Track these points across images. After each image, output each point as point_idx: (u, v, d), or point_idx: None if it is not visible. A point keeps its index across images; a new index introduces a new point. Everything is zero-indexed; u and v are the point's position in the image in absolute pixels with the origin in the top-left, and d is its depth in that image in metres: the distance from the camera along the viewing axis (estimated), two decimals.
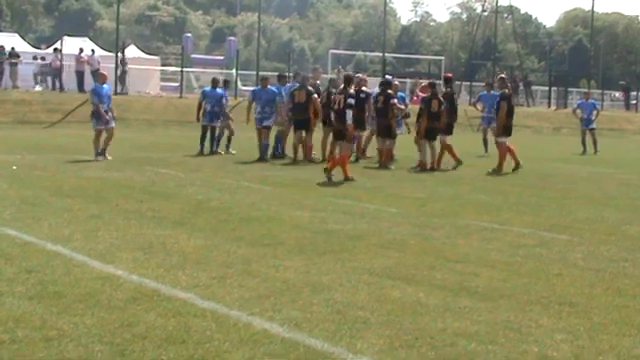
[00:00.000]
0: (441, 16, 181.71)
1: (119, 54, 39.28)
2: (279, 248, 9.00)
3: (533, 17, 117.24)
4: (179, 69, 42.42)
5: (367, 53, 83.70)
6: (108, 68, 37.80)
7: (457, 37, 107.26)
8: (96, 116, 18.79)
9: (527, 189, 15.77)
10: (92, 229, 9.80)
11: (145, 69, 43.50)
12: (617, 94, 58.15)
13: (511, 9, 75.38)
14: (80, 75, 37.65)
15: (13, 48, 38.05)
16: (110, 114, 18.95)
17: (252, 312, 6.44)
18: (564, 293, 7.40)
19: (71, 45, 40.72)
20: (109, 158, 18.40)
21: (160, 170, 16.76)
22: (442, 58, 66.17)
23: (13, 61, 37.10)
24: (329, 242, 9.46)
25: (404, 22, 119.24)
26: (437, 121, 18.69)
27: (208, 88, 21.84)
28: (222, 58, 54.22)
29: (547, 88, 52.26)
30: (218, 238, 9.54)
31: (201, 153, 20.54)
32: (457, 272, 8.08)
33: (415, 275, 7.90)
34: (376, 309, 6.63)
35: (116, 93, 35.83)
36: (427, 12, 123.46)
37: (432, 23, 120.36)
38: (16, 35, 49.24)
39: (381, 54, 51.41)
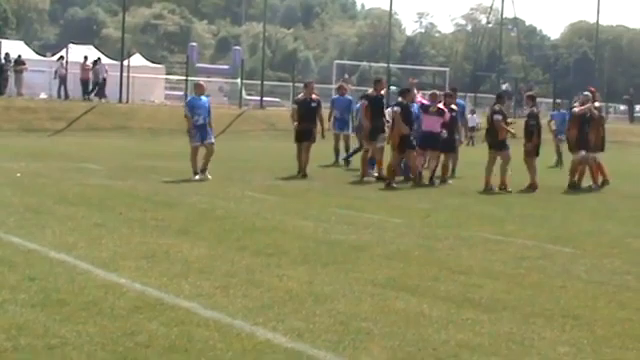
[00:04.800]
0: (446, 27, 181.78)
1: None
2: (283, 258, 9.00)
3: (538, 29, 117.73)
4: (184, 78, 42.50)
5: (372, 64, 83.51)
6: (113, 76, 38.11)
7: (462, 48, 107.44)
8: (190, 131, 17.28)
9: (531, 201, 15.75)
10: (96, 237, 9.80)
11: (150, 77, 43.61)
12: (622, 107, 58.16)
13: (516, 21, 75.40)
14: (85, 83, 37.74)
15: (19, 56, 38.12)
16: (209, 128, 17.32)
17: (255, 322, 6.43)
18: (567, 306, 7.38)
19: (76, 53, 40.81)
20: (209, 177, 16.80)
21: (164, 179, 16.76)
22: (447, 69, 66.12)
23: (18, 68, 37.17)
24: (333, 252, 9.46)
25: (409, 33, 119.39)
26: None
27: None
28: (227, 67, 54.29)
29: (551, 100, 52.21)
30: (222, 247, 9.53)
31: None
32: (461, 283, 8.07)
33: (419, 286, 7.89)
34: (379, 320, 6.62)
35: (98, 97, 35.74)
36: (432, 23, 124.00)
37: (437, 34, 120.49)
38: (21, 42, 49.36)
39: (386, 65, 51.42)
